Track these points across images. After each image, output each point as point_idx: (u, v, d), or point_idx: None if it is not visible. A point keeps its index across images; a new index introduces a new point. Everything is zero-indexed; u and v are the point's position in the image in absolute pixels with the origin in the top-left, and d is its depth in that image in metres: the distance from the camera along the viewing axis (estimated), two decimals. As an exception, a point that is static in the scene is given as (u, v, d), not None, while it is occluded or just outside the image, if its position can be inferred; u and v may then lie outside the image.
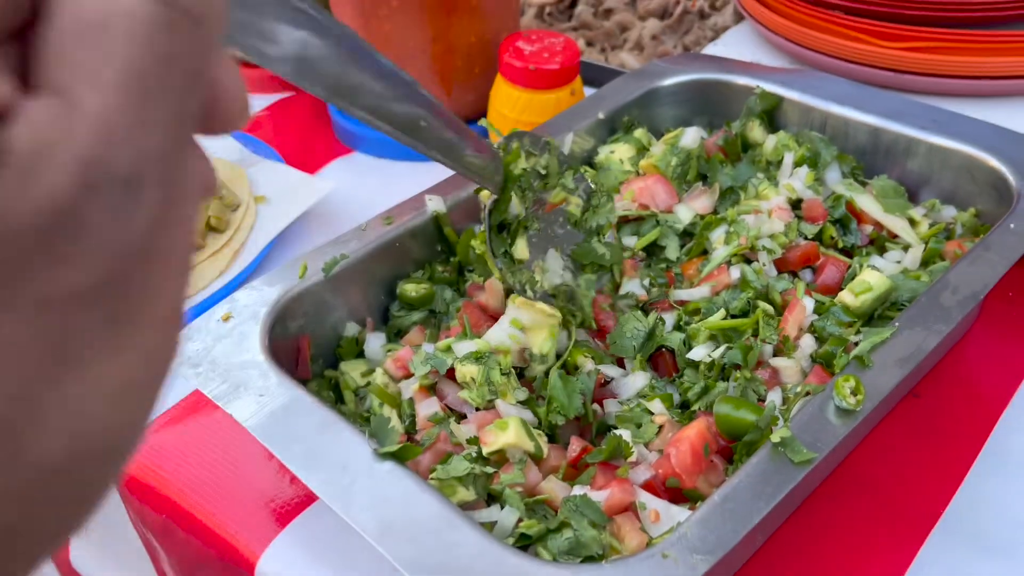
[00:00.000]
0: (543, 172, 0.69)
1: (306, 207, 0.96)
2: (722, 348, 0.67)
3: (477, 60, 1.07)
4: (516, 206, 0.67)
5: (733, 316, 0.69)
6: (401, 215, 0.79)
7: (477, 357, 0.64)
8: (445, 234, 0.79)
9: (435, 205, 0.79)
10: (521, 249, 0.68)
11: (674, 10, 1.26)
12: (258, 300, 0.70)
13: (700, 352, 0.67)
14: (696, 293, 0.73)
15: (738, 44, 1.08)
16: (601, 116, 0.90)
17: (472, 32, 1.04)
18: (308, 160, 1.12)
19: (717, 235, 0.78)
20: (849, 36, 0.97)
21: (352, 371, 0.74)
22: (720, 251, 0.75)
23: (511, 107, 0.99)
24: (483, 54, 1.06)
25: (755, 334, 0.68)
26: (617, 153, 0.88)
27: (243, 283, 0.92)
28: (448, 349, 0.67)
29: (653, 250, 0.82)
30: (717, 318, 0.69)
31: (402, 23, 1.02)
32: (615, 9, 1.30)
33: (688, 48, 1.21)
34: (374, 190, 1.07)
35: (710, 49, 1.10)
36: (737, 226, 0.77)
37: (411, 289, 0.76)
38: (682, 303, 0.73)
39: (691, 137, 0.86)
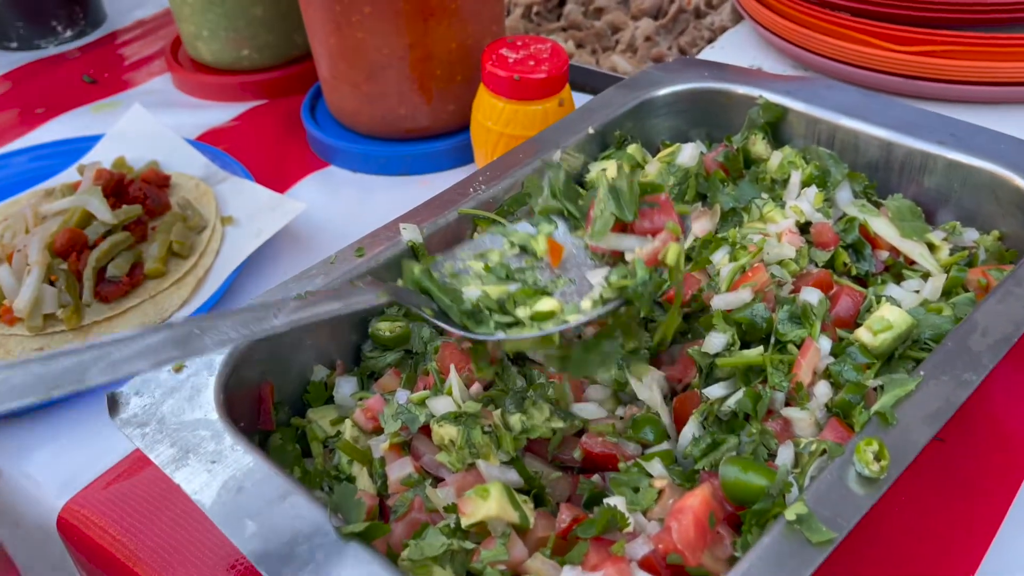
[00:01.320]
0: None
1: (276, 229, 0.89)
2: (737, 394, 0.60)
3: (458, 68, 1.00)
4: None
5: (745, 343, 0.63)
6: (373, 245, 0.72)
7: (455, 416, 0.58)
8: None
9: (410, 234, 0.72)
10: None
11: (668, 8, 1.19)
12: (214, 347, 0.63)
13: (716, 391, 0.61)
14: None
15: (737, 47, 1.01)
16: (591, 131, 0.83)
17: (452, 38, 0.97)
18: (281, 175, 1.05)
19: (719, 257, 0.71)
20: (857, 39, 0.90)
21: (320, 419, 0.67)
22: (726, 270, 0.68)
23: (495, 119, 0.92)
24: (464, 61, 1.00)
25: (763, 380, 0.61)
26: (609, 171, 0.81)
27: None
28: (422, 403, 0.61)
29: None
30: (726, 345, 0.62)
31: (376, 30, 0.95)
32: (606, 8, 1.23)
33: (684, 51, 1.14)
34: (351, 206, 1.00)
35: (707, 53, 1.03)
36: (742, 248, 0.71)
37: (385, 328, 0.70)
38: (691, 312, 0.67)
39: (689, 154, 0.80)
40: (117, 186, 0.94)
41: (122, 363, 0.46)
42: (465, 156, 1.04)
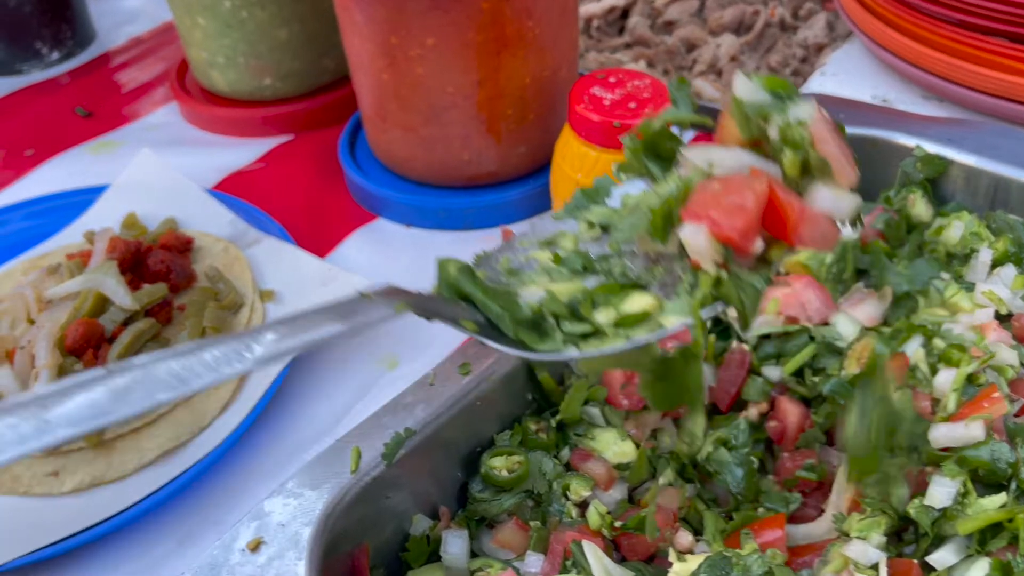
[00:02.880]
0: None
1: (331, 314, 0.74)
2: (978, 565, 0.47)
3: (532, 105, 0.85)
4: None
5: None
6: (478, 357, 0.57)
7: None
8: (539, 380, 0.58)
9: (525, 342, 0.58)
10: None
11: (752, 22, 1.05)
12: (297, 514, 0.49)
13: (946, 557, 0.47)
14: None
15: (852, 74, 0.87)
16: (719, 193, 0.69)
17: (526, 72, 0.82)
18: (321, 231, 0.90)
19: (913, 348, 0.58)
20: (1018, 70, 0.76)
21: (424, 585, 0.53)
22: (945, 376, 0.55)
23: (586, 171, 0.78)
24: (539, 97, 0.85)
25: (1011, 544, 0.48)
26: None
27: (258, 416, 0.70)
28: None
29: (803, 374, 0.62)
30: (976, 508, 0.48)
31: (440, 65, 0.80)
32: (677, 22, 1.08)
33: (775, 70, 0.99)
34: (408, 270, 0.85)
35: (816, 82, 0.89)
36: (940, 343, 0.57)
37: (501, 466, 0.56)
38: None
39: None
40: (134, 258, 0.79)
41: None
42: (537, 205, 0.90)
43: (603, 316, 0.47)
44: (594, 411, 0.58)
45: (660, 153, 0.53)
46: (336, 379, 0.75)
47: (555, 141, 0.89)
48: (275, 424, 0.72)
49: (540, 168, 0.91)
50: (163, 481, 0.66)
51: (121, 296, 0.73)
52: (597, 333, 0.46)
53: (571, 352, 0.45)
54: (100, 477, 0.67)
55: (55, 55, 1.25)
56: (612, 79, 0.78)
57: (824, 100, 0.77)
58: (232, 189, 0.96)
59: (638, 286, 0.48)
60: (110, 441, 0.69)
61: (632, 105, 0.75)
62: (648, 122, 0.53)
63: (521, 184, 0.89)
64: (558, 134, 0.90)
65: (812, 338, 0.62)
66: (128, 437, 0.69)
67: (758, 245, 0.48)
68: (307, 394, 0.74)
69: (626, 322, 0.46)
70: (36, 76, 1.23)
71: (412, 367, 0.75)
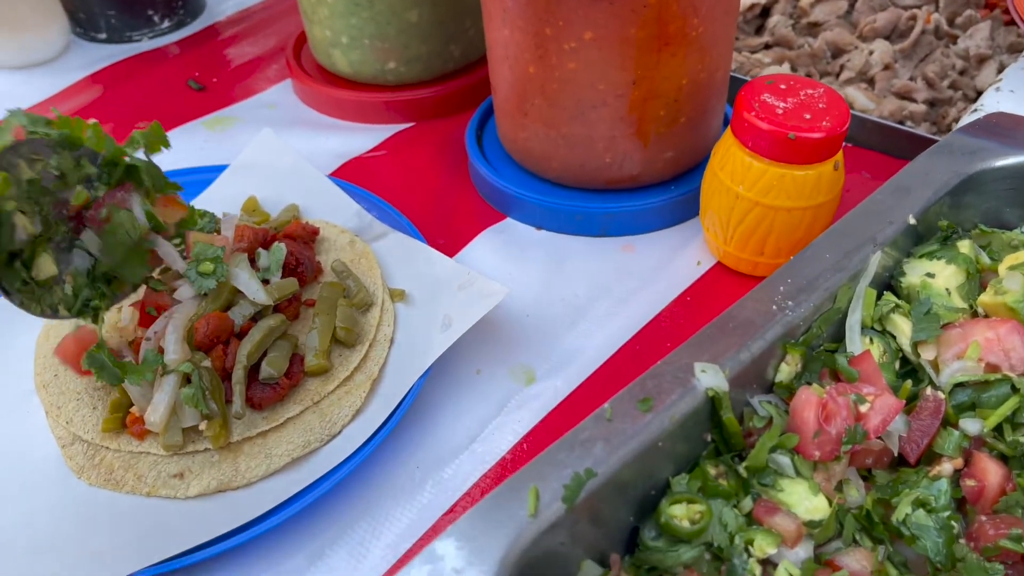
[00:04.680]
0: (57, 173, 0.57)
1: (474, 321, 0.70)
2: None
3: (685, 107, 0.79)
4: (26, 227, 0.55)
5: None
6: (659, 392, 0.52)
7: None
8: (723, 422, 0.53)
9: (711, 380, 0.53)
10: (46, 266, 0.57)
11: (907, 28, 0.97)
12: (473, 560, 0.45)
13: None
14: None
15: (1031, 91, 0.80)
16: (913, 221, 0.63)
17: (684, 73, 0.76)
18: (449, 229, 0.86)
19: None
20: None
21: (595, 642, 0.48)
22: None
23: (748, 185, 0.72)
24: (693, 99, 0.79)
25: None
26: (939, 278, 0.61)
27: (393, 427, 0.66)
28: None
29: (1002, 429, 0.56)
30: None
31: (595, 61, 0.74)
32: (824, 23, 1.02)
33: (932, 83, 0.92)
34: (540, 277, 0.80)
35: (991, 99, 0.82)
36: None
37: (682, 515, 0.51)
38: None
39: (1062, 265, 0.59)
40: (260, 247, 0.75)
41: None
42: (679, 214, 0.84)
43: None
44: (783, 460, 0.53)
45: None
46: (469, 392, 0.70)
47: (703, 147, 0.84)
48: (405, 436, 0.68)
49: (683, 174, 0.85)
50: (293, 490, 0.62)
51: (254, 290, 0.69)
52: None
53: None
54: (227, 483, 0.63)
55: (166, 23, 1.22)
56: (783, 86, 0.72)
57: (1000, 119, 0.71)
58: (350, 176, 0.92)
59: None
60: (237, 444, 0.65)
61: (807, 116, 0.69)
62: None
63: (662, 190, 0.84)
64: (708, 140, 0.84)
65: (1015, 389, 0.56)
66: (255, 440, 0.66)
67: None
68: (439, 405, 0.70)
69: None
70: (146, 45, 1.20)
71: (550, 384, 0.70)
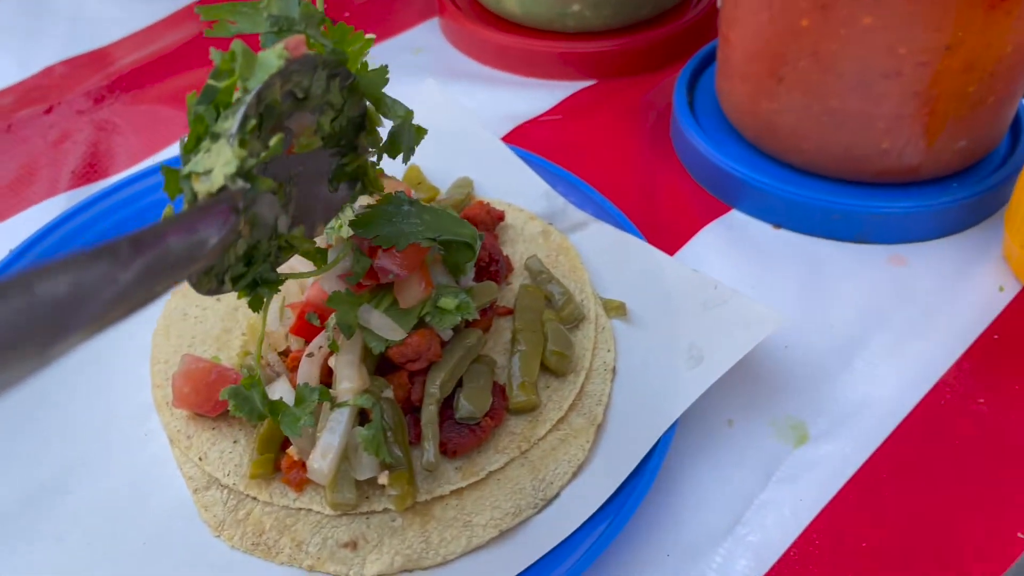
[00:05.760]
0: (301, 95, 0.42)
1: (736, 358, 0.52)
2: None
3: (1000, 84, 0.60)
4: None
5: None
6: None
7: None
8: None
9: None
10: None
11: None
12: None
13: None
14: None
15: None
16: None
17: (1010, 40, 0.58)
18: (654, 220, 0.68)
19: None
20: None
21: None
22: None
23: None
24: (1009, 75, 0.60)
25: None
26: None
27: (638, 507, 0.49)
28: None
29: None
30: None
31: (900, 17, 0.56)
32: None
33: None
34: (786, 292, 0.62)
35: None
36: None
37: None
38: None
39: None
40: (442, 235, 0.58)
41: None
42: (961, 220, 0.65)
43: None
44: None
45: None
46: (718, 449, 0.53)
47: (998, 135, 0.65)
48: (641, 504, 0.51)
49: (969, 170, 0.67)
50: (502, 579, 0.46)
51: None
52: None
53: None
54: (415, 560, 0.47)
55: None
56: None
57: None
58: (520, 142, 0.75)
59: None
60: (425, 504, 0.49)
61: None
62: None
63: (942, 188, 0.65)
64: (1004, 127, 0.66)
65: None
66: (449, 501, 0.49)
67: None
68: (683, 465, 0.53)
69: None
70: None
71: (832, 446, 0.53)
